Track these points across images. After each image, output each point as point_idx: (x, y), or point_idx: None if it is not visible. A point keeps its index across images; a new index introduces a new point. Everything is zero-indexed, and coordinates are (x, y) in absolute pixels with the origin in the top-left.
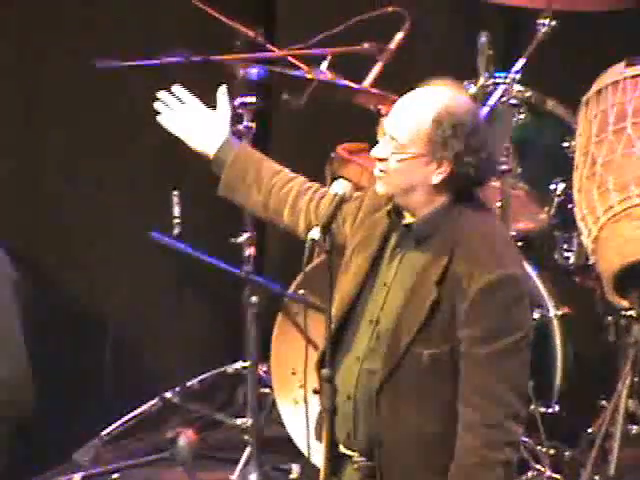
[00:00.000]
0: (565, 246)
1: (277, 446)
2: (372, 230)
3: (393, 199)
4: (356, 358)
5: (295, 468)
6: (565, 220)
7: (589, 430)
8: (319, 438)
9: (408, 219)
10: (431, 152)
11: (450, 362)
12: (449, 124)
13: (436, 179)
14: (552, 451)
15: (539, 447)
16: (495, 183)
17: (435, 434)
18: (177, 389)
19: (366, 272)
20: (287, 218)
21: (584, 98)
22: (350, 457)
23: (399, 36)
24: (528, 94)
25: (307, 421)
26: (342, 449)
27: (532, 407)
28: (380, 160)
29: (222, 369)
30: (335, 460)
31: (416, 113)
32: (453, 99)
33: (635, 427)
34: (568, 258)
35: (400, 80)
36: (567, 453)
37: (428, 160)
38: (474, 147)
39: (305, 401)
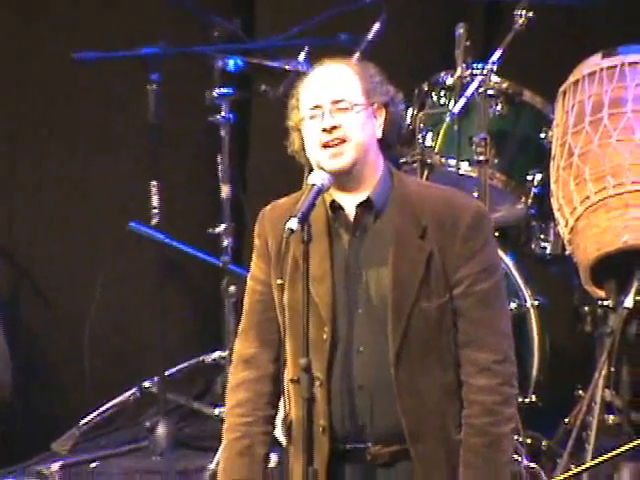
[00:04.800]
0: (542, 236)
1: None
2: (308, 242)
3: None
4: (357, 349)
5: (273, 457)
6: (542, 210)
7: (566, 420)
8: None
9: (360, 195)
10: (371, 101)
11: (451, 310)
12: (370, 74)
13: (379, 132)
14: (529, 440)
15: (516, 437)
16: (472, 173)
17: (451, 383)
18: (155, 379)
19: (332, 269)
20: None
21: (561, 89)
22: (361, 450)
23: (376, 27)
24: (505, 85)
25: (285, 409)
26: (347, 446)
27: None
28: (333, 130)
29: (200, 359)
30: (332, 460)
31: (341, 75)
32: (352, 61)
33: (611, 417)
34: (545, 248)
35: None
36: (544, 442)
37: (372, 111)
38: (393, 92)
39: (282, 391)
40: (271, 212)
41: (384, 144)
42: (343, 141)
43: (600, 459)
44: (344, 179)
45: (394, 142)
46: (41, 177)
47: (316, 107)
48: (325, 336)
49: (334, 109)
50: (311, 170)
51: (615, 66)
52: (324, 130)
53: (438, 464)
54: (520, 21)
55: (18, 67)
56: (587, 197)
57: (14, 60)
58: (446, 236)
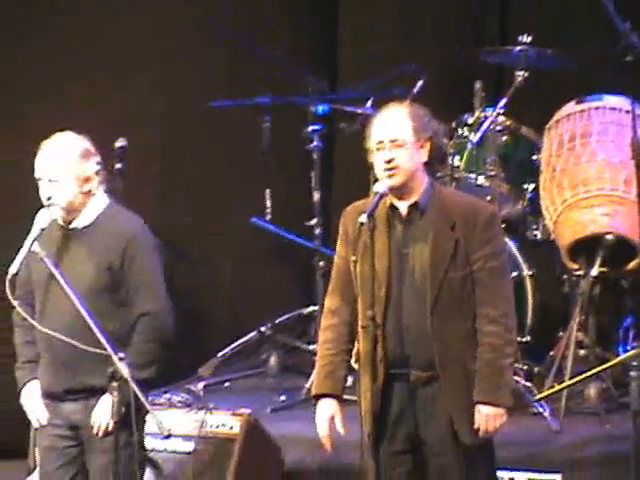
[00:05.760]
0: (534, 227)
1: None
2: (373, 231)
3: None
4: (405, 304)
5: (349, 378)
6: (534, 209)
7: (551, 353)
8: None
9: (411, 200)
10: (419, 137)
11: (470, 280)
12: (419, 116)
13: (425, 157)
14: (525, 367)
15: (517, 364)
16: (486, 184)
17: (469, 330)
18: (269, 325)
19: (389, 249)
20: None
21: (547, 125)
22: (406, 374)
23: (419, 83)
24: (508, 123)
25: (357, 345)
26: (397, 371)
27: None
28: (390, 161)
29: (300, 311)
30: (385, 380)
31: (399, 118)
32: (407, 105)
33: (582, 351)
34: (537, 235)
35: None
36: (536, 369)
37: (419, 145)
38: (436, 127)
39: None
40: (350, 211)
41: (428, 165)
42: (397, 167)
43: (574, 380)
44: (398, 191)
45: (436, 163)
46: (195, 188)
47: (380, 142)
48: (383, 295)
49: (391, 145)
50: (376, 181)
51: (584, 110)
52: (385, 161)
53: (459, 385)
54: (519, 79)
55: (168, 118)
56: (565, 200)
57: (169, 112)
58: (468, 228)
